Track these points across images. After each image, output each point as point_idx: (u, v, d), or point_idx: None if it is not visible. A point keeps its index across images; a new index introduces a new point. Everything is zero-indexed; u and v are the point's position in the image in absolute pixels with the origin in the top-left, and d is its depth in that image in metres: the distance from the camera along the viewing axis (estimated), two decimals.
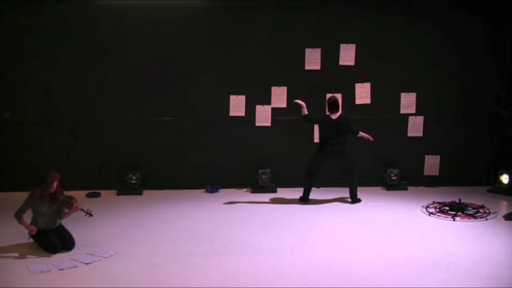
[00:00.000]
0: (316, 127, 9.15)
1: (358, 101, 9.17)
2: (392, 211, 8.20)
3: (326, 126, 8.32)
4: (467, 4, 9.23)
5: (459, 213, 7.92)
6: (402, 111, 9.46)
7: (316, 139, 9.06)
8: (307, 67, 9.27)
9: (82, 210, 6.67)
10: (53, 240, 6.47)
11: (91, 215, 6.73)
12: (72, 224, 6.90)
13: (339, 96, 8.70)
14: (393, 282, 5.67)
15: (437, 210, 8.15)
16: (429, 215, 7.96)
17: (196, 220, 7.75)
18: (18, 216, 6.50)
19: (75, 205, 6.63)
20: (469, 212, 8.00)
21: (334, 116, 8.33)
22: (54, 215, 6.63)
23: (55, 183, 6.56)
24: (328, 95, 8.62)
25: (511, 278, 5.80)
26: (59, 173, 6.68)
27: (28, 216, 6.60)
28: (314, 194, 8.83)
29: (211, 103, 9.27)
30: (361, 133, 8.49)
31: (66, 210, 6.73)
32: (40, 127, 9.14)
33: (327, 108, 8.43)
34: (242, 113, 9.32)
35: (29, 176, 8.55)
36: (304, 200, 8.60)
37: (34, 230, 6.47)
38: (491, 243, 6.80)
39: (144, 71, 9.14)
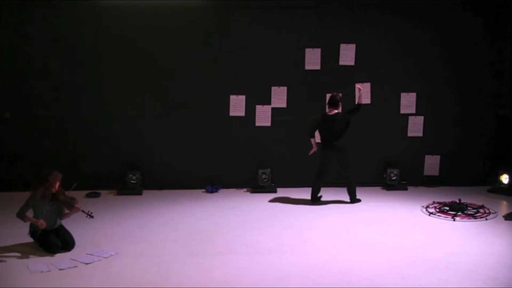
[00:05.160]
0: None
1: (358, 100, 9.15)
2: (392, 211, 8.19)
3: (324, 123, 8.33)
4: (467, 4, 9.24)
5: (459, 213, 7.92)
6: (402, 111, 9.46)
7: (316, 139, 9.06)
8: (307, 67, 9.28)
9: (83, 211, 6.67)
10: (53, 240, 6.46)
11: (91, 216, 6.72)
12: (72, 224, 6.89)
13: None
14: (393, 282, 5.67)
15: (437, 210, 8.15)
16: (429, 215, 7.96)
17: (196, 220, 7.75)
18: (22, 215, 6.48)
19: (76, 206, 6.63)
20: (469, 212, 8.00)
21: (330, 113, 8.32)
22: (54, 215, 6.63)
23: (57, 184, 6.56)
24: (328, 95, 8.64)
25: (511, 278, 5.79)
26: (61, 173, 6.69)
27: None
28: None
29: (211, 103, 9.28)
30: (361, 100, 8.36)
31: (67, 211, 6.72)
32: (40, 127, 9.14)
33: (327, 106, 8.44)
34: (242, 113, 9.32)
35: (28, 176, 8.62)
36: (312, 200, 8.58)
37: (44, 224, 6.44)
38: (491, 243, 6.80)
39: (144, 71, 9.14)
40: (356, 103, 8.38)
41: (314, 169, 8.76)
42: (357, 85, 8.56)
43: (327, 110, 8.44)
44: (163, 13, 9.01)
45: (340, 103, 8.34)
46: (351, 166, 8.49)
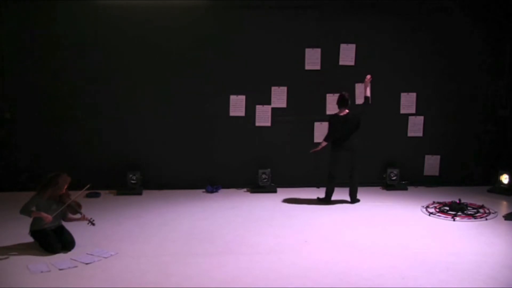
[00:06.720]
0: (317, 127, 9.16)
1: (358, 101, 9.16)
2: (392, 211, 8.19)
3: (336, 124, 8.31)
4: (467, 4, 9.24)
5: (459, 213, 7.92)
6: (402, 111, 9.46)
7: (316, 139, 9.08)
8: (307, 67, 9.28)
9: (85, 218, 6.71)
10: (53, 240, 6.45)
11: (93, 224, 6.72)
12: (72, 224, 6.88)
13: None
14: (393, 282, 5.67)
15: (437, 210, 8.15)
16: (429, 215, 7.96)
17: (196, 220, 7.75)
18: (27, 211, 6.44)
19: (82, 215, 6.66)
20: (469, 212, 8.00)
21: (342, 113, 8.31)
22: (58, 216, 6.62)
23: (65, 187, 6.57)
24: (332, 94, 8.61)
25: (511, 278, 5.79)
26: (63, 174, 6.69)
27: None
28: (314, 194, 8.86)
29: (211, 103, 9.28)
30: (367, 92, 8.34)
31: (70, 215, 6.73)
32: (39, 127, 9.14)
33: (337, 106, 8.42)
34: (242, 113, 9.33)
35: (27, 176, 8.62)
36: (326, 200, 8.57)
37: (50, 218, 6.45)
38: (491, 243, 6.80)
39: (145, 71, 9.15)
40: (364, 96, 8.37)
41: (314, 169, 8.76)
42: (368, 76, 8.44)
43: (338, 110, 8.38)
44: (163, 13, 9.01)
45: (349, 101, 8.31)
46: (359, 167, 8.47)
